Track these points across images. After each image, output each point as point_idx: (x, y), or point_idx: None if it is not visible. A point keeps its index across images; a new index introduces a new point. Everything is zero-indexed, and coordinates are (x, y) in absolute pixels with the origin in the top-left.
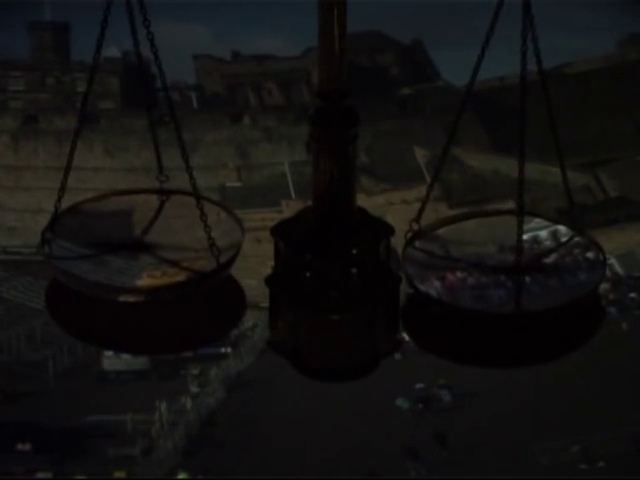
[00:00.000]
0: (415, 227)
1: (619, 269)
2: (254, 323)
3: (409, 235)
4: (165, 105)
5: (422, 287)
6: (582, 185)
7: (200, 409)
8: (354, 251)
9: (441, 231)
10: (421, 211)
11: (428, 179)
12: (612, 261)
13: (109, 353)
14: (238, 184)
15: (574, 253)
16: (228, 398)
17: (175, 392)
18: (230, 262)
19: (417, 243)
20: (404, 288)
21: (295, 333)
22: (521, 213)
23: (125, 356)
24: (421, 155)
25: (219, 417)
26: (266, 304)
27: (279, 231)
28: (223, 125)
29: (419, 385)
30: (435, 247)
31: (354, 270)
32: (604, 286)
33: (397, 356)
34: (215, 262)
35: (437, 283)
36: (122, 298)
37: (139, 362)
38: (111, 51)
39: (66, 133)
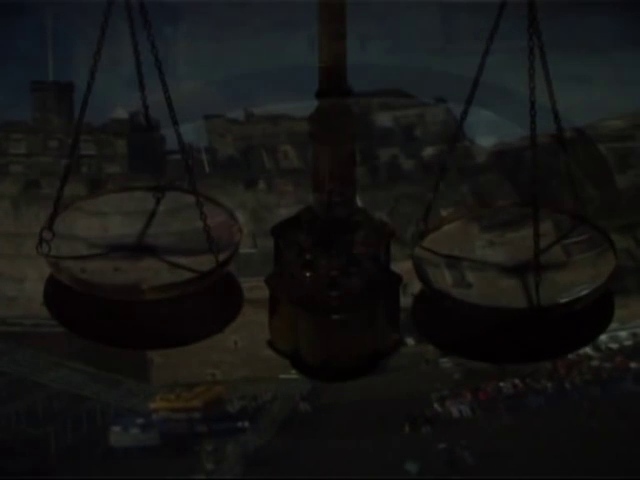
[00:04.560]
0: (422, 226)
1: None
2: (273, 395)
3: (416, 235)
4: (174, 169)
5: (436, 285)
6: (622, 248)
7: None
8: (354, 251)
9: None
10: (428, 210)
11: None
12: None
13: (117, 428)
14: (253, 250)
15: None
16: (246, 475)
17: (188, 469)
18: (229, 260)
19: (425, 242)
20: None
21: (295, 333)
22: (535, 206)
23: (134, 431)
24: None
25: None
26: (285, 375)
27: (279, 231)
28: (237, 189)
29: (441, 445)
30: (446, 244)
31: (354, 270)
32: None
33: (425, 429)
34: (214, 260)
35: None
36: (124, 298)
37: (149, 437)
38: (118, 112)
39: (70, 199)
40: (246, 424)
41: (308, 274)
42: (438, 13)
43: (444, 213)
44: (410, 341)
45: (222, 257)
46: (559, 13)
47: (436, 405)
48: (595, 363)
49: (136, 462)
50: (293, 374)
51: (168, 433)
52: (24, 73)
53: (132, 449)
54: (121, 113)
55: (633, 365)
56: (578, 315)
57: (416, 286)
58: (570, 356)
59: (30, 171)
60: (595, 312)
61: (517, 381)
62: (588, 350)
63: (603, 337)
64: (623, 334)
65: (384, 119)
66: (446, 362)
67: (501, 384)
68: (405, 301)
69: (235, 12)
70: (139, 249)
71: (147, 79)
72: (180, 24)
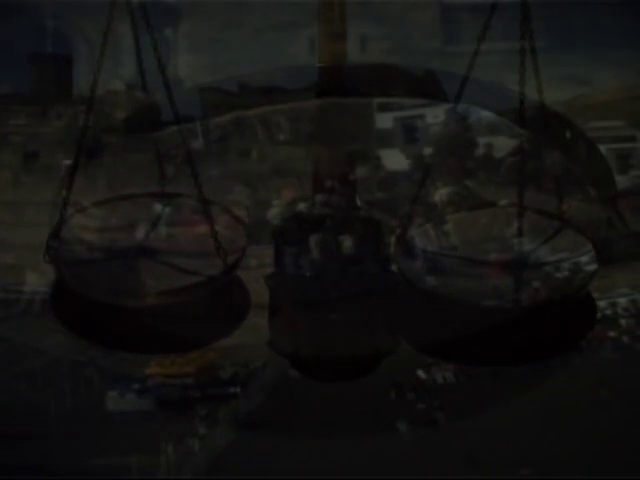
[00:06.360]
0: (405, 222)
1: None
2: (264, 362)
3: (399, 232)
4: (171, 141)
5: (417, 281)
6: (604, 219)
7: (208, 451)
8: (354, 251)
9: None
10: (412, 209)
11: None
12: (638, 297)
13: (113, 394)
14: (246, 220)
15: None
16: (237, 439)
17: (182, 434)
18: (236, 264)
19: (407, 238)
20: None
21: (295, 333)
22: (520, 209)
23: (130, 396)
24: (439, 193)
25: (228, 459)
26: None
27: (279, 231)
28: (230, 160)
29: (420, 406)
30: (427, 242)
31: (354, 270)
32: (629, 322)
33: (410, 395)
34: (222, 264)
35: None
36: (130, 303)
37: (145, 402)
38: (114, 84)
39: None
40: (238, 390)
41: (308, 274)
42: (438, 13)
43: (435, 188)
44: None
45: (229, 260)
46: (559, 13)
47: (420, 372)
48: None
49: (132, 426)
50: None
51: (163, 398)
52: (23, 45)
53: (128, 413)
54: (117, 85)
55: (612, 334)
56: (560, 317)
57: None
58: None
59: (29, 141)
60: (576, 315)
61: None
62: None
63: None
64: (602, 304)
65: (384, 119)
66: None
67: None
68: None
69: (235, 12)
70: (145, 253)
71: (147, 78)
72: (180, 24)
